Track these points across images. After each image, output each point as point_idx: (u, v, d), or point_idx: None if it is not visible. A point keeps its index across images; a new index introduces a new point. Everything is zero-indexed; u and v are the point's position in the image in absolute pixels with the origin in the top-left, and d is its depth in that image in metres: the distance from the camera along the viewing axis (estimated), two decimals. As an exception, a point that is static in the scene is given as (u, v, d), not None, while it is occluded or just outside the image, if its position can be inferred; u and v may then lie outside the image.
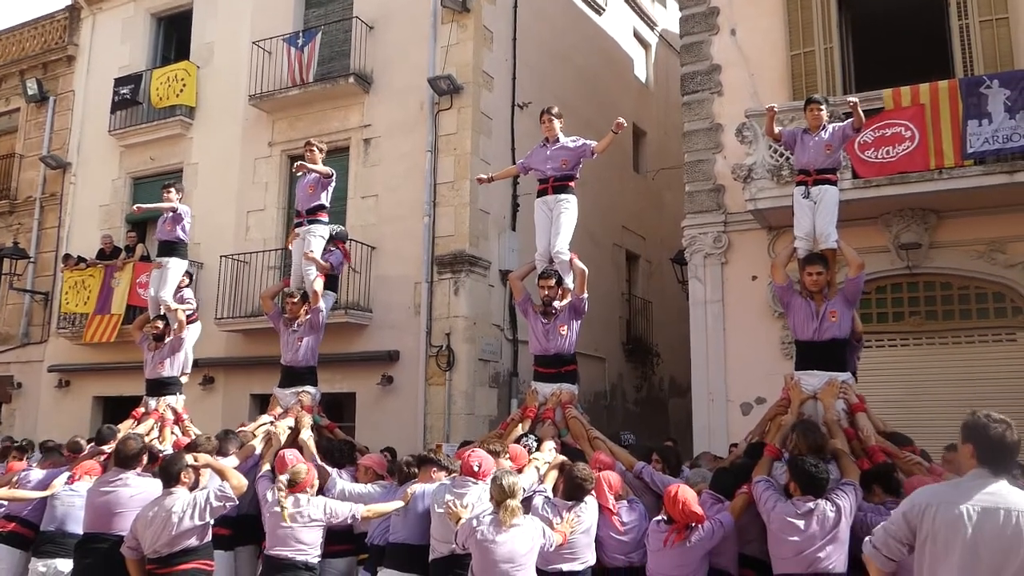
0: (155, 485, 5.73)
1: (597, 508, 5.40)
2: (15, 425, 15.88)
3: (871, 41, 11.50)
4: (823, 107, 6.65)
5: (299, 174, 8.41)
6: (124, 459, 6.09)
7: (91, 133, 16.52)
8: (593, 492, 5.41)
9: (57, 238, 16.51)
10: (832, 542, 4.65)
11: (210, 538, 5.55)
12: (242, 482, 5.58)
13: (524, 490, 5.20)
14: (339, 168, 10.18)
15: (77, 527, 6.30)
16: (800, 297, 6.22)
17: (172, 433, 8.03)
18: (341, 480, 6.52)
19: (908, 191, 9.59)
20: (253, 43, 14.20)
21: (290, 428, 7.31)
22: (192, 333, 8.97)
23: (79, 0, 17.15)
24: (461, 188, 12.41)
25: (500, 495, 4.91)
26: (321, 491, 6.12)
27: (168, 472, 5.51)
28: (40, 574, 6.39)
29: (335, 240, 8.55)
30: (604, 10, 17.11)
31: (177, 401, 8.37)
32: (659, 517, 5.13)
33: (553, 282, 6.94)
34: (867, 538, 3.64)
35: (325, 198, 8.28)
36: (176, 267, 8.67)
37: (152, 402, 8.26)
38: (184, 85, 15.06)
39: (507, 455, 5.86)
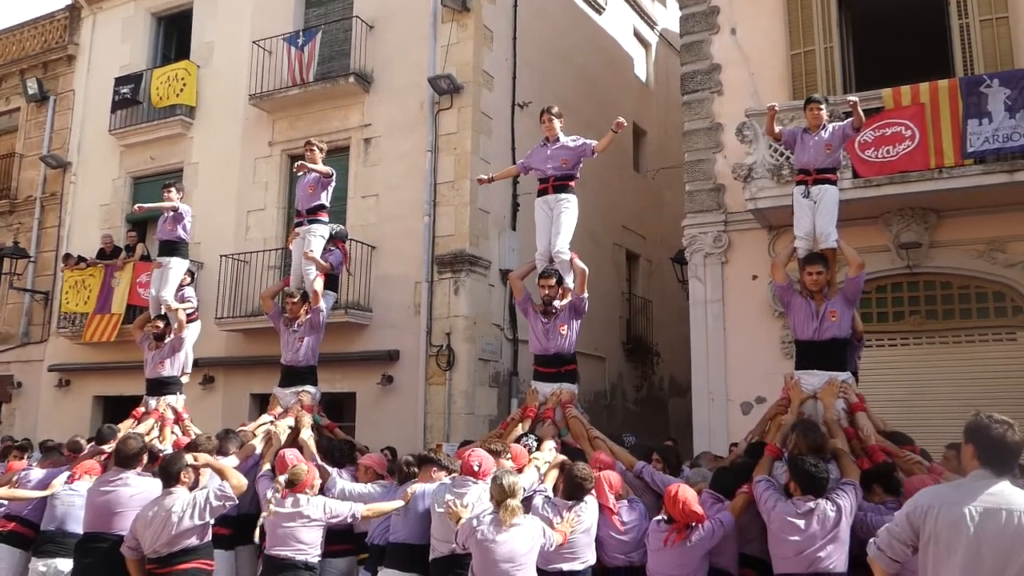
0: (155, 485, 5.73)
1: (597, 508, 5.40)
2: (15, 424, 15.88)
3: (871, 40, 11.49)
4: (823, 107, 6.65)
5: (299, 174, 8.41)
6: (124, 458, 6.10)
7: (91, 132, 16.51)
8: (593, 492, 5.42)
9: (57, 237, 16.50)
10: (832, 542, 4.66)
11: (210, 538, 5.56)
12: (242, 482, 5.58)
13: (524, 490, 5.20)
14: (339, 168, 10.18)
15: (77, 527, 6.30)
16: (800, 297, 6.22)
17: (172, 433, 8.04)
18: (341, 480, 6.52)
19: (908, 190, 9.59)
20: (253, 42, 14.20)
21: (290, 428, 7.33)
22: (192, 332, 8.98)
23: (79, -1, 17.19)
24: (461, 188, 12.41)
25: (500, 495, 4.91)
26: (321, 491, 6.13)
27: (168, 472, 5.51)
28: (40, 574, 6.39)
29: (335, 239, 8.56)
30: (604, 9, 17.10)
31: (177, 401, 8.38)
32: (659, 517, 5.13)
33: (553, 281, 6.94)
34: (871, 540, 3.66)
35: (325, 198, 8.29)
36: (177, 267, 8.67)
37: (152, 401, 8.27)
38: (184, 84, 15.06)
39: (508, 455, 5.86)
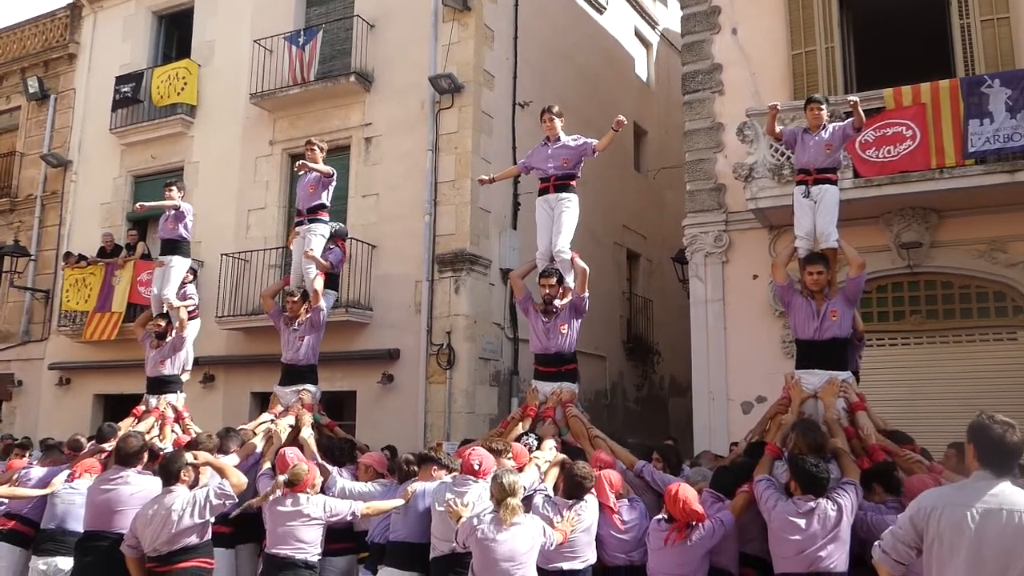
0: (155, 483, 5.73)
1: (598, 506, 5.40)
2: (15, 423, 15.89)
3: (872, 40, 11.49)
4: (823, 106, 6.65)
5: (300, 173, 8.41)
6: (125, 457, 6.10)
7: (92, 131, 16.52)
8: (593, 490, 5.42)
9: (58, 236, 16.51)
10: (833, 541, 4.65)
11: (210, 536, 5.56)
12: (242, 480, 5.59)
13: (525, 489, 5.20)
14: (340, 167, 10.18)
15: (77, 525, 6.30)
16: (801, 296, 6.21)
17: (172, 431, 8.04)
18: (341, 479, 6.52)
19: (909, 190, 9.59)
20: (254, 41, 14.20)
21: (291, 426, 7.33)
22: (192, 330, 8.98)
23: (80, -2, 17.18)
24: (462, 187, 12.41)
25: (501, 493, 4.91)
26: (322, 489, 6.13)
27: (168, 470, 5.52)
28: (41, 572, 6.40)
29: (335, 237, 8.56)
30: (605, 9, 17.10)
31: (178, 399, 8.38)
32: (660, 516, 5.13)
33: (554, 281, 6.94)
34: (876, 543, 3.67)
35: (326, 197, 8.29)
36: (179, 265, 8.68)
37: (153, 400, 8.27)
38: (185, 83, 15.06)
39: (510, 454, 5.86)
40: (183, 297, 8.80)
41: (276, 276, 12.73)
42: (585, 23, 16.30)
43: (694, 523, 4.91)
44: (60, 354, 15.70)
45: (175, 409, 8.27)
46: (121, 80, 15.71)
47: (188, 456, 5.72)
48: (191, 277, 9.22)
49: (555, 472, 5.77)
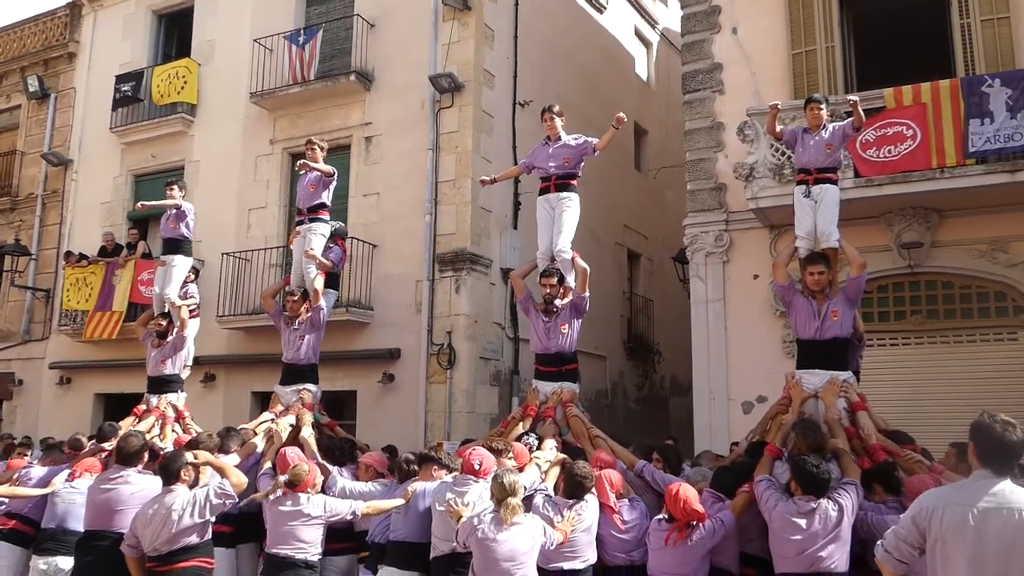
0: (156, 483, 5.73)
1: (598, 506, 5.40)
2: (16, 422, 15.89)
3: (873, 40, 11.48)
4: (823, 106, 6.65)
5: (301, 172, 8.41)
6: (125, 456, 6.10)
7: (92, 130, 16.51)
8: (594, 490, 5.42)
9: (58, 235, 16.50)
10: (834, 541, 4.66)
11: (210, 536, 5.56)
12: (242, 480, 5.59)
13: (525, 488, 5.21)
14: (340, 166, 10.17)
15: (78, 524, 6.30)
16: (802, 296, 6.22)
17: (173, 431, 8.05)
18: (342, 478, 6.53)
19: (910, 190, 9.58)
20: (254, 40, 14.19)
21: (291, 426, 7.33)
22: (192, 328, 8.98)
23: (80, -3, 17.18)
24: (462, 186, 12.40)
25: (501, 493, 4.91)
26: (322, 489, 6.13)
27: (168, 470, 5.51)
28: (41, 571, 6.40)
29: (334, 236, 8.56)
30: (605, 8, 17.10)
31: (178, 398, 8.38)
32: (660, 516, 5.13)
33: (555, 280, 6.94)
34: (879, 542, 3.70)
35: (326, 196, 8.28)
36: (181, 264, 8.69)
37: (153, 399, 8.28)
38: (185, 82, 15.06)
39: (511, 453, 5.86)
40: (185, 296, 8.81)
41: (277, 275, 12.72)
42: (585, 22, 16.30)
43: (695, 523, 4.92)
44: (61, 353, 15.70)
45: (176, 408, 8.28)
46: (121, 79, 15.70)
47: (188, 455, 5.71)
48: (193, 276, 9.23)
49: (555, 472, 5.78)
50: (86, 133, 16.65)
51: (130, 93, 15.49)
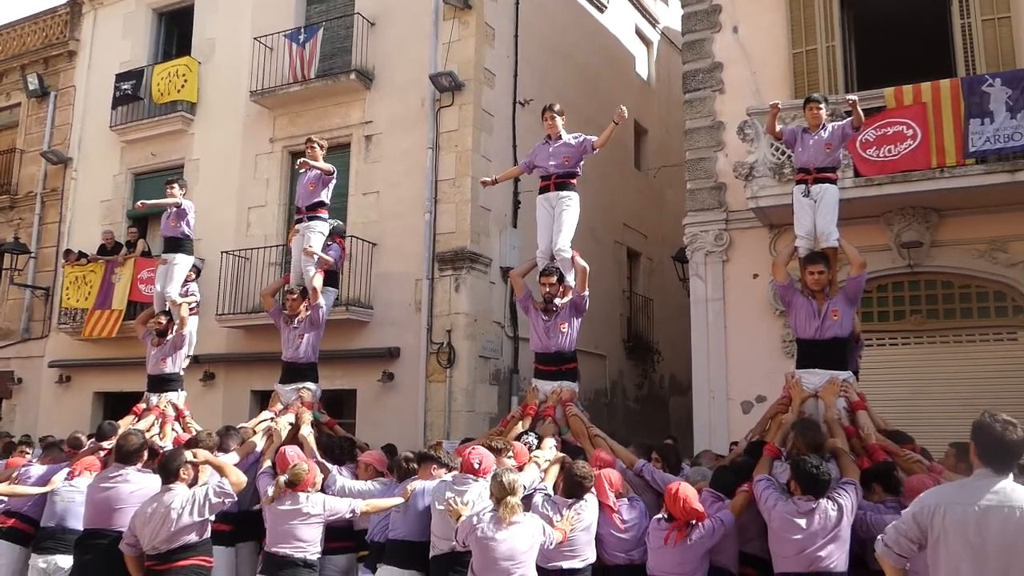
0: (155, 481, 5.73)
1: (597, 506, 5.40)
2: (15, 421, 15.89)
3: (873, 40, 11.48)
4: (822, 106, 6.66)
5: (301, 171, 8.41)
6: (125, 455, 6.10)
7: (92, 128, 16.50)
8: (593, 490, 5.42)
9: (58, 233, 16.49)
10: (833, 541, 4.66)
11: (209, 534, 5.55)
12: (241, 479, 5.60)
13: (525, 487, 5.21)
14: (340, 165, 10.17)
15: (77, 523, 6.30)
16: (801, 296, 6.22)
17: (173, 429, 8.05)
18: (341, 477, 6.53)
19: (910, 190, 9.58)
20: (254, 39, 14.18)
21: (291, 424, 7.34)
22: (191, 325, 8.99)
23: (80, -5, 17.16)
24: (462, 185, 12.40)
25: (500, 492, 4.91)
26: (321, 488, 6.13)
27: (167, 468, 5.51)
28: (40, 570, 6.40)
29: (333, 234, 8.56)
30: (606, 7, 17.09)
31: (178, 397, 8.39)
32: (660, 515, 5.13)
33: (554, 279, 6.94)
34: (879, 537, 3.74)
35: (326, 195, 8.29)
36: (182, 263, 8.70)
37: (153, 398, 8.28)
38: (185, 81, 15.05)
39: (511, 452, 5.86)
40: (185, 295, 8.81)
41: (276, 274, 12.72)
42: (586, 21, 16.30)
43: (694, 522, 4.92)
44: (60, 352, 15.70)
45: (175, 407, 8.29)
46: (121, 77, 15.69)
47: (187, 454, 5.72)
48: (194, 275, 9.22)
49: (555, 471, 5.78)
50: (86, 131, 16.64)
51: (130, 91, 15.48)
